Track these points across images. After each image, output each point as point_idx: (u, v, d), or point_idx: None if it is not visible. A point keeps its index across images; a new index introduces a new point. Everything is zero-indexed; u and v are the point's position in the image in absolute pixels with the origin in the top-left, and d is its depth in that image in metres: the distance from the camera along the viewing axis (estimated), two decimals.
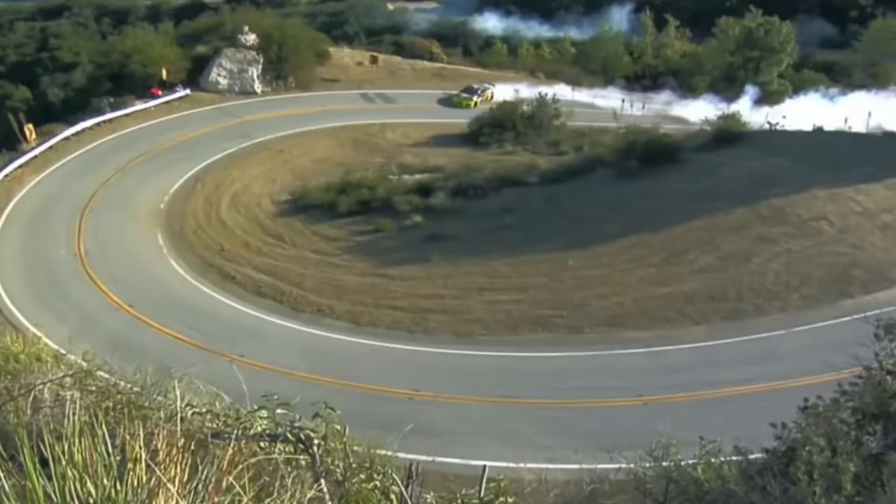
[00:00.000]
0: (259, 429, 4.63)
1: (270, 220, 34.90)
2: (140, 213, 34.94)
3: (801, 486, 4.60)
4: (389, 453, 5.66)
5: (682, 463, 6.24)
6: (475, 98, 50.81)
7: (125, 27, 64.55)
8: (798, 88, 54.93)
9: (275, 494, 3.33)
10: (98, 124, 44.36)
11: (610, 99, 53.17)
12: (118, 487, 2.74)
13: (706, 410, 17.86)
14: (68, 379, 5.46)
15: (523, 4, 75.15)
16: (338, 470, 4.53)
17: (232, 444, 3.53)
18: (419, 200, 34.24)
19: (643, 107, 50.86)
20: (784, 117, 41.93)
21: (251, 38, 53.58)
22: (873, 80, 52.07)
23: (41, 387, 5.05)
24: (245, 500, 3.02)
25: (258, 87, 52.34)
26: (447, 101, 52.24)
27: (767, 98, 52.24)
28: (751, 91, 52.64)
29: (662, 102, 53.64)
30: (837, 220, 28.19)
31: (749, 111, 44.24)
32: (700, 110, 45.89)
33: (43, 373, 5.88)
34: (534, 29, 69.21)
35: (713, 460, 6.00)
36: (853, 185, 30.13)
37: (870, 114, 40.64)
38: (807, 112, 44.07)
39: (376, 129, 46.77)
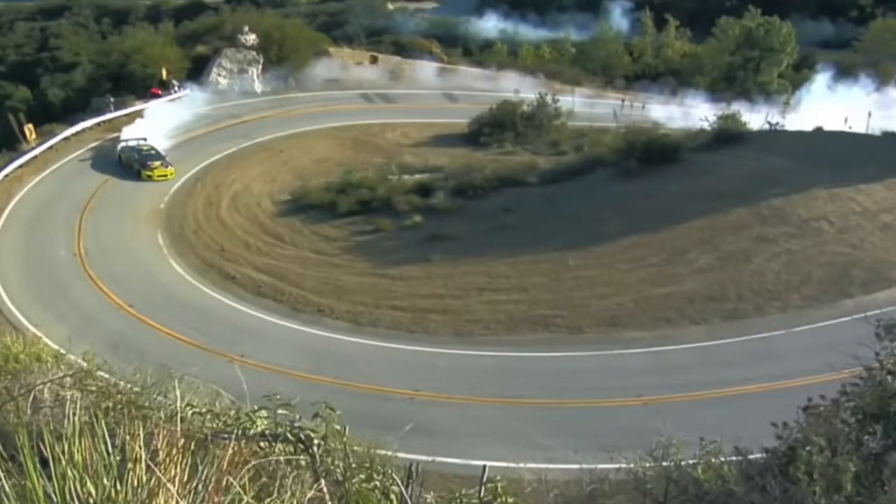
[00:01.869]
0: (259, 429, 4.63)
1: (270, 220, 34.89)
2: (140, 213, 34.94)
3: (801, 486, 4.60)
4: (389, 453, 5.67)
5: (682, 463, 6.25)
6: (168, 164, 38.29)
7: (125, 27, 64.69)
8: (798, 84, 54.85)
9: (275, 494, 3.33)
10: (98, 124, 44.39)
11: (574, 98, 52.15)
12: (118, 487, 2.74)
13: (706, 410, 17.83)
14: (68, 379, 5.46)
15: (518, 5, 75.13)
16: (338, 470, 4.53)
17: (232, 444, 3.53)
18: (419, 200, 34.22)
19: (616, 111, 48.84)
20: (784, 117, 41.90)
21: (251, 38, 53.62)
22: (873, 79, 52.03)
23: (41, 387, 5.05)
24: (245, 500, 3.02)
25: (258, 87, 52.38)
26: (113, 168, 38.98)
27: (768, 98, 52.20)
28: (757, 93, 52.31)
29: (649, 103, 53.08)
30: (837, 220, 28.18)
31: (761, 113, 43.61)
32: (686, 113, 45.69)
33: (43, 373, 5.89)
34: (531, 30, 69.13)
35: (713, 460, 6.01)
36: (853, 185, 30.12)
37: (870, 114, 40.63)
38: (816, 107, 44.12)
39: (376, 129, 46.77)
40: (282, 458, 4.03)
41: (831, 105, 44.02)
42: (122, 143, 39.67)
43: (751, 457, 5.61)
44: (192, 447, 3.04)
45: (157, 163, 37.93)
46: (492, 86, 53.76)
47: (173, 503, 2.75)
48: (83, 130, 43.19)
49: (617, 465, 7.77)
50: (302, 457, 4.31)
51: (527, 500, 7.66)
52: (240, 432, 4.29)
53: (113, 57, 51.99)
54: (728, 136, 36.77)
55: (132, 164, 37.90)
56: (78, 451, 2.79)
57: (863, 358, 5.45)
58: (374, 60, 57.53)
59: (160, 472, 2.79)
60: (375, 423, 8.04)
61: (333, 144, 44.66)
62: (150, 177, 37.26)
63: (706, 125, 38.34)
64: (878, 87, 49.67)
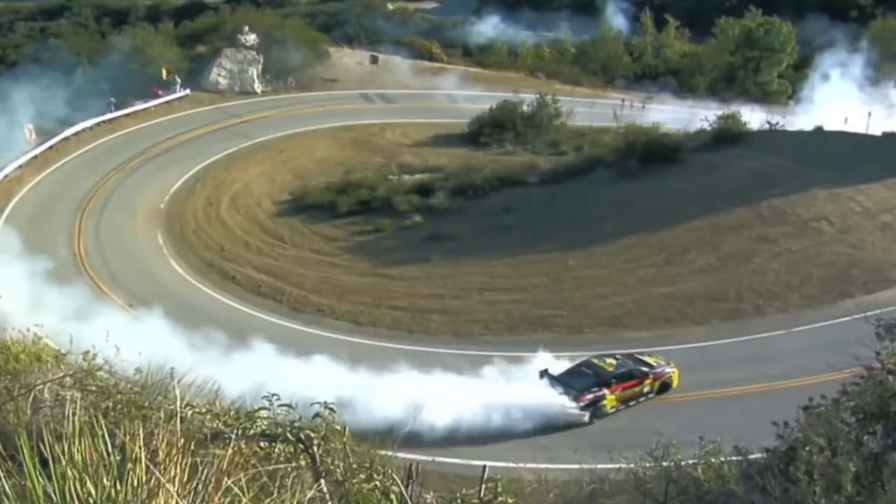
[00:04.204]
0: (259, 429, 4.64)
1: (270, 220, 34.89)
2: (140, 212, 34.94)
3: (801, 486, 4.60)
4: (389, 453, 5.67)
5: (682, 463, 6.25)
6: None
7: (125, 27, 64.61)
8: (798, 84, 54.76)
9: (275, 494, 3.33)
10: (98, 124, 44.41)
11: None
12: (118, 487, 2.74)
13: (706, 410, 17.86)
14: (68, 379, 5.46)
15: (515, 6, 74.95)
16: (338, 470, 4.53)
17: (232, 444, 3.53)
18: (419, 200, 34.22)
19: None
20: (784, 117, 41.87)
21: (251, 38, 53.62)
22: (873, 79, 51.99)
23: (41, 387, 5.05)
24: (245, 500, 3.02)
25: (258, 87, 52.39)
26: None
27: (768, 98, 52.16)
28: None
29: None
30: (837, 220, 28.17)
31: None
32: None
33: (43, 373, 5.89)
34: (528, 31, 68.96)
35: (713, 460, 6.01)
36: (853, 185, 30.11)
37: (870, 114, 40.60)
38: (816, 107, 44.15)
39: (376, 129, 46.76)
40: (282, 458, 4.03)
41: (831, 105, 43.96)
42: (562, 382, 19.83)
43: (751, 457, 5.61)
44: (192, 447, 3.04)
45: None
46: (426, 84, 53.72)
47: (173, 503, 2.74)
48: (83, 130, 43.22)
49: (617, 465, 7.78)
50: (302, 457, 4.31)
51: (527, 500, 7.66)
52: (240, 432, 4.29)
53: (113, 57, 51.97)
54: (728, 136, 36.71)
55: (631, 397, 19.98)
56: (78, 451, 2.79)
57: (863, 358, 5.45)
58: (374, 60, 57.45)
59: (160, 472, 2.79)
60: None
61: (333, 144, 44.65)
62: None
63: (706, 125, 38.31)
64: (878, 86, 49.63)
